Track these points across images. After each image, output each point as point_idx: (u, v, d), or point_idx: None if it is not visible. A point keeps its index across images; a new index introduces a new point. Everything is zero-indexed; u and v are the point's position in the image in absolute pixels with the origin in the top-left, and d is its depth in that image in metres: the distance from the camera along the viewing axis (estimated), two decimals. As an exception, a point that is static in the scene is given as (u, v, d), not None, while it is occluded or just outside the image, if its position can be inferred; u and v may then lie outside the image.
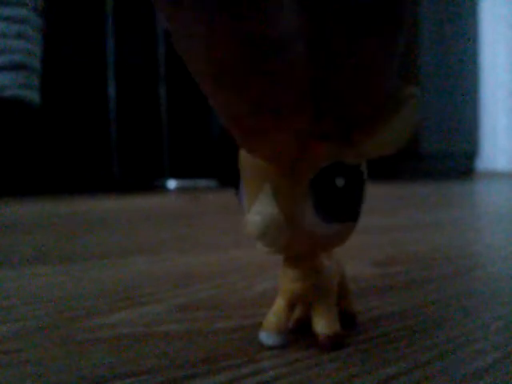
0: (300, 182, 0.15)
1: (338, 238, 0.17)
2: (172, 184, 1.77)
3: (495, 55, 2.66)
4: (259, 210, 0.15)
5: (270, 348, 0.18)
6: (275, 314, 0.18)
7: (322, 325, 0.18)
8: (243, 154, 0.16)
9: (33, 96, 1.26)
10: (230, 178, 0.18)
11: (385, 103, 0.14)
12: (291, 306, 0.18)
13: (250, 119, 0.12)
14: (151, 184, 1.69)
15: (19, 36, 1.21)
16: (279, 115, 0.12)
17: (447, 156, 2.12)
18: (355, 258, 0.36)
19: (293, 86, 0.12)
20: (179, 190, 1.69)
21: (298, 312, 0.20)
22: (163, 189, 1.70)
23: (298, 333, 0.19)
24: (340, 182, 0.15)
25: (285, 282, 0.18)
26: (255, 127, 0.13)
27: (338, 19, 0.12)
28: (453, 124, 2.11)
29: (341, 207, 0.16)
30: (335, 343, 0.18)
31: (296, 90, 0.12)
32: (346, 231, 0.17)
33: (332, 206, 0.15)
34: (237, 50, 0.10)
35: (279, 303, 0.18)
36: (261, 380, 0.15)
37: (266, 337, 0.18)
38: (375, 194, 1.17)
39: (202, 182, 1.79)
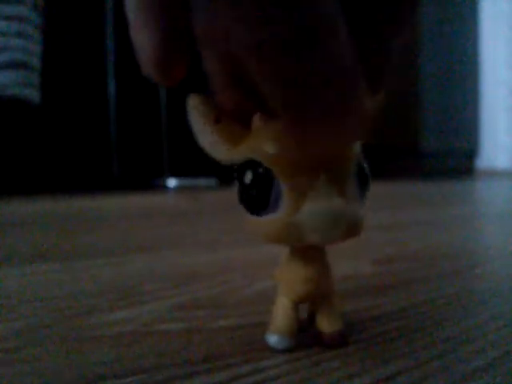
0: (350, 165, 0.16)
1: (363, 217, 0.17)
2: (172, 183, 1.77)
3: (495, 53, 2.66)
4: (325, 201, 0.15)
5: (277, 350, 0.18)
6: (284, 316, 0.18)
7: (327, 323, 0.18)
8: (285, 154, 0.15)
9: (33, 95, 1.26)
10: (242, 185, 0.16)
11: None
12: (297, 306, 0.18)
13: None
14: (151, 183, 1.69)
15: (19, 35, 1.21)
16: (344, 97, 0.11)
17: (447, 154, 2.12)
18: (355, 256, 0.36)
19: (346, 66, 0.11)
20: (179, 188, 1.69)
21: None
22: (163, 188, 1.70)
23: (298, 332, 0.19)
24: (366, 166, 0.17)
25: (294, 282, 0.18)
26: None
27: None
28: (453, 122, 2.10)
29: (366, 191, 0.17)
30: (340, 341, 0.18)
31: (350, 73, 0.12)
32: (364, 216, 0.17)
33: (364, 189, 0.16)
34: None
35: (285, 304, 0.18)
36: (261, 379, 0.15)
37: (279, 340, 0.18)
38: (375, 192, 1.17)
39: (202, 181, 1.78)
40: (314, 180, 0.15)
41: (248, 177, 0.16)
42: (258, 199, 0.16)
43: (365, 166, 0.16)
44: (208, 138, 0.17)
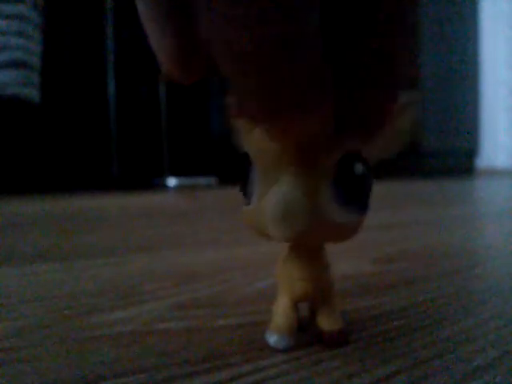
0: (322, 166, 0.15)
1: (352, 227, 0.16)
2: (171, 182, 1.77)
3: (495, 53, 2.66)
4: (282, 190, 0.15)
5: (277, 349, 0.18)
6: (284, 315, 0.18)
7: (327, 322, 0.18)
8: (261, 142, 0.15)
9: (32, 94, 1.26)
10: (236, 175, 0.18)
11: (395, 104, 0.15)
12: (296, 304, 0.18)
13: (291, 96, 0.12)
14: (151, 182, 1.69)
15: (19, 34, 1.21)
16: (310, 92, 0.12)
17: (447, 154, 2.12)
18: (355, 255, 0.36)
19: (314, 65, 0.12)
20: (179, 188, 1.69)
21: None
22: (163, 187, 1.70)
23: (298, 331, 0.19)
24: (358, 168, 0.15)
25: (291, 281, 0.18)
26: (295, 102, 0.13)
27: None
28: (453, 122, 2.11)
29: (358, 195, 0.16)
30: (340, 340, 0.18)
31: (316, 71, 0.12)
32: (358, 221, 0.16)
33: (352, 193, 0.15)
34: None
35: (285, 303, 0.18)
36: (261, 378, 0.15)
37: (278, 340, 0.18)
38: (375, 191, 1.16)
39: (202, 180, 1.78)
40: (282, 173, 0.15)
41: (240, 166, 0.17)
42: (243, 189, 0.17)
43: (356, 170, 0.15)
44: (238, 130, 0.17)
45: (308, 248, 0.18)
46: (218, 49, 0.12)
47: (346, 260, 0.34)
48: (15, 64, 1.21)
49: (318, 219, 0.15)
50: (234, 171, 0.18)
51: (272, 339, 0.18)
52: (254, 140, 0.16)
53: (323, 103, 0.13)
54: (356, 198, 0.16)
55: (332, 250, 0.19)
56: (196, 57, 0.15)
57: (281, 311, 0.18)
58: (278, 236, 0.15)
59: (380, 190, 1.26)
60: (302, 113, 0.13)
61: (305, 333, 0.19)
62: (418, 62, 1.89)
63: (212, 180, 1.77)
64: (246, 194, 0.17)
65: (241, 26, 0.11)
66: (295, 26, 0.11)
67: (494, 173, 2.52)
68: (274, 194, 0.15)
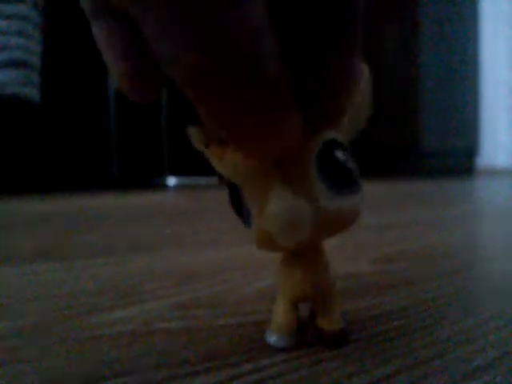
0: (307, 159, 0.15)
1: (351, 211, 0.16)
2: (171, 181, 1.77)
3: (495, 53, 2.66)
4: (280, 201, 0.15)
5: (277, 349, 0.18)
6: (283, 315, 0.18)
7: (327, 322, 0.18)
8: (237, 163, 0.15)
9: (33, 94, 1.26)
10: (229, 199, 0.17)
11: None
12: (296, 305, 0.18)
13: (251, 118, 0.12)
14: (151, 181, 1.69)
15: (19, 33, 1.21)
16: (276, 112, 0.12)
17: (447, 153, 2.12)
18: (355, 255, 0.36)
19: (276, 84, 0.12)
20: (179, 187, 1.69)
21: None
22: (163, 186, 1.70)
23: (298, 330, 0.19)
24: (339, 154, 0.16)
25: (291, 281, 0.18)
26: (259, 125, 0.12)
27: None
28: (453, 122, 2.11)
29: (346, 178, 0.16)
30: (340, 339, 0.18)
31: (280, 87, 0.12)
32: (356, 203, 0.16)
33: (340, 178, 0.15)
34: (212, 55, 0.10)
35: (284, 303, 0.18)
36: (261, 377, 0.15)
37: (278, 339, 0.18)
38: (375, 191, 1.17)
39: (202, 180, 1.79)
40: (270, 185, 0.15)
41: (228, 193, 0.17)
42: (238, 214, 0.17)
43: (337, 155, 0.15)
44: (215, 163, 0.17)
45: (307, 248, 0.18)
46: (167, 71, 0.11)
47: (345, 260, 0.34)
48: (15, 63, 1.21)
49: (320, 213, 0.15)
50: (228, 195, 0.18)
51: (272, 339, 0.18)
52: (229, 163, 0.16)
53: (289, 117, 0.12)
54: (347, 181, 0.16)
55: (332, 250, 0.19)
56: (149, 79, 0.15)
57: (281, 311, 0.18)
58: (288, 244, 0.15)
59: (380, 190, 1.26)
60: (269, 132, 0.12)
61: (305, 333, 0.19)
62: (414, 59, 1.89)
63: (212, 180, 1.77)
64: (242, 214, 0.17)
65: (182, 47, 0.10)
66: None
67: (494, 172, 2.52)
68: (272, 207, 0.15)
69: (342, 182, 0.16)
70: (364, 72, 0.16)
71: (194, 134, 0.17)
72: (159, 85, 0.16)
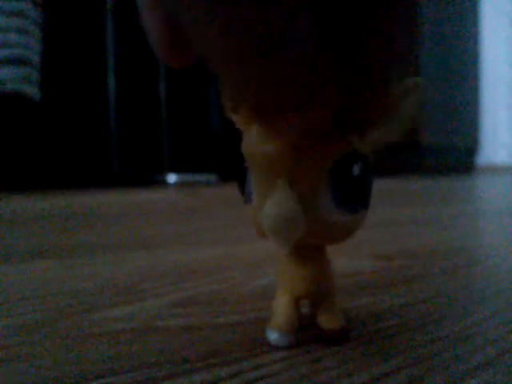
0: (318, 170, 0.15)
1: (352, 226, 0.16)
2: (172, 178, 1.77)
3: (496, 51, 2.65)
4: (277, 203, 0.15)
5: (277, 347, 0.18)
6: (285, 313, 0.18)
7: (327, 320, 0.18)
8: (253, 148, 0.16)
9: (33, 90, 1.26)
10: (234, 174, 0.18)
11: (393, 92, 0.15)
12: (297, 303, 0.18)
13: (284, 95, 0.12)
14: (151, 178, 1.69)
15: (19, 30, 1.21)
16: (309, 91, 0.12)
17: (448, 151, 2.12)
18: (355, 253, 0.36)
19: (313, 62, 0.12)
20: (179, 184, 1.69)
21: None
22: (163, 183, 1.70)
23: (298, 329, 0.19)
24: (356, 170, 0.15)
25: (292, 279, 0.18)
26: (289, 103, 0.12)
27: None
28: (453, 119, 2.10)
29: (356, 195, 0.16)
30: (340, 338, 0.18)
31: (318, 67, 0.12)
32: (359, 219, 0.16)
33: (349, 194, 0.15)
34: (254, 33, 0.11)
35: (285, 302, 0.18)
36: (261, 375, 0.15)
37: (279, 337, 0.18)
38: (375, 188, 1.16)
39: (202, 177, 1.78)
40: (275, 183, 0.15)
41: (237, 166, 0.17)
42: (239, 188, 0.17)
43: (354, 171, 0.15)
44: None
45: (309, 247, 0.18)
46: (202, 49, 0.11)
47: (345, 258, 0.34)
48: (15, 61, 1.21)
49: (317, 222, 0.15)
50: (232, 169, 0.18)
51: (273, 337, 0.18)
52: (248, 144, 0.16)
53: (325, 99, 0.13)
54: (355, 198, 0.16)
55: (332, 248, 0.19)
56: (184, 44, 0.15)
57: (281, 309, 0.18)
58: (277, 246, 0.15)
59: (380, 187, 1.26)
60: (302, 111, 0.13)
61: (305, 331, 0.19)
62: (417, 46, 1.88)
63: (212, 177, 1.77)
64: (244, 192, 0.17)
65: (226, 26, 0.11)
66: (280, 20, 0.11)
67: (494, 170, 2.52)
68: (270, 207, 0.15)
69: (352, 197, 0.16)
70: (414, 85, 0.16)
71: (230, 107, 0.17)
72: (191, 51, 0.15)
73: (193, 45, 0.13)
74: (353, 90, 0.14)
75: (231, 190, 0.17)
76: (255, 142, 0.15)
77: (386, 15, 0.12)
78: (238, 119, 0.17)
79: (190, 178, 1.79)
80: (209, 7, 0.10)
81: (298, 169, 0.15)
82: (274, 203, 0.15)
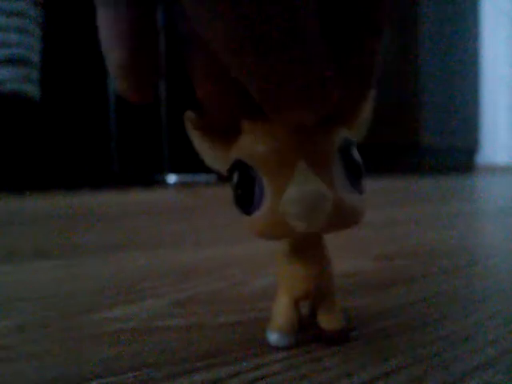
0: (331, 149, 0.15)
1: (362, 209, 0.16)
2: (172, 179, 1.77)
3: (496, 51, 2.65)
4: (303, 186, 0.15)
5: (277, 347, 0.18)
6: (285, 313, 0.18)
7: (327, 320, 0.18)
8: (259, 146, 0.15)
9: (32, 90, 1.26)
10: (231, 186, 0.17)
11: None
12: (297, 303, 0.18)
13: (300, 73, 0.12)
14: (151, 179, 1.69)
15: (19, 30, 1.21)
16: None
17: (448, 151, 2.12)
18: (355, 253, 0.36)
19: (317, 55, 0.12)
20: (179, 184, 1.69)
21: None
22: (163, 183, 1.70)
23: (298, 329, 0.19)
24: (356, 154, 0.16)
25: (293, 279, 0.18)
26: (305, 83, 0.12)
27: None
28: (453, 119, 2.10)
29: (360, 176, 0.16)
30: (340, 338, 0.18)
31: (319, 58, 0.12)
32: (364, 201, 0.16)
33: (356, 174, 0.16)
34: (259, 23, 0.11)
35: (285, 302, 0.18)
36: (261, 375, 0.15)
37: (279, 338, 0.18)
38: (375, 188, 1.17)
39: (202, 177, 1.78)
40: (292, 169, 0.15)
41: (235, 177, 0.16)
42: (243, 198, 0.16)
43: (354, 154, 0.16)
44: (205, 152, 0.17)
45: (309, 247, 0.18)
46: (214, 43, 0.12)
47: (346, 258, 0.34)
48: (15, 60, 1.21)
49: (338, 204, 0.15)
50: (228, 182, 0.17)
51: (273, 337, 0.18)
52: (250, 145, 0.16)
53: (331, 94, 0.13)
54: (360, 180, 0.16)
55: (332, 247, 0.19)
56: (148, 70, 0.15)
57: (282, 310, 0.18)
58: (303, 230, 0.15)
59: (381, 187, 1.26)
60: (308, 106, 0.13)
61: (305, 331, 0.19)
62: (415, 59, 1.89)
63: (212, 177, 1.77)
64: (252, 203, 0.16)
65: (235, 21, 0.11)
66: (291, 17, 0.11)
67: (494, 170, 2.52)
68: (296, 191, 0.15)
69: (357, 177, 0.16)
70: (371, 91, 0.17)
71: (191, 120, 0.17)
72: (157, 80, 0.16)
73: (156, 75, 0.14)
74: (348, 87, 0.14)
75: (231, 191, 0.17)
76: (257, 142, 0.15)
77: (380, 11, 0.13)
78: (208, 146, 0.17)
79: (189, 178, 1.79)
80: (209, 7, 0.11)
81: (312, 151, 0.15)
82: (299, 186, 0.15)
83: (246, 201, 0.16)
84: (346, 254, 0.35)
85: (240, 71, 0.12)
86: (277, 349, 0.17)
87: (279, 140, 0.15)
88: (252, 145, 0.16)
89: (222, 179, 1.70)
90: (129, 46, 0.14)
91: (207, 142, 0.17)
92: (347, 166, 0.16)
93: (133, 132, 1.61)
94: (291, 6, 0.11)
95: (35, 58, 1.26)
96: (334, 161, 0.15)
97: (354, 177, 0.16)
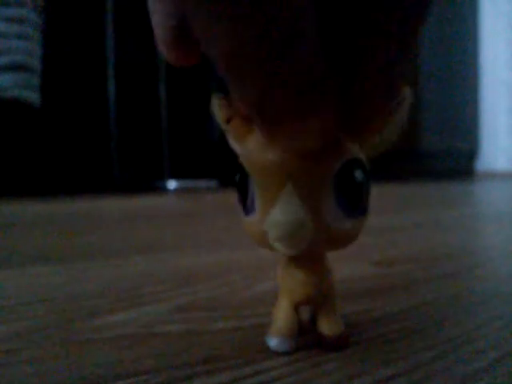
0: (322, 176, 0.15)
1: (354, 232, 0.16)
2: (172, 185, 1.77)
3: (495, 54, 2.66)
4: (284, 210, 0.15)
5: (277, 352, 0.18)
6: (285, 318, 0.18)
7: (327, 325, 0.18)
8: (254, 157, 0.15)
9: (33, 97, 1.26)
10: (233, 183, 0.17)
11: (390, 102, 0.15)
12: (297, 308, 0.18)
13: (285, 102, 0.12)
14: (151, 185, 1.69)
15: (19, 36, 1.21)
16: (311, 97, 0.12)
17: (447, 156, 2.12)
18: (355, 258, 0.36)
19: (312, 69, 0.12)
20: (179, 190, 1.69)
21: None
22: (163, 189, 1.70)
23: (298, 334, 0.19)
24: (359, 175, 0.15)
25: (293, 284, 0.18)
26: (292, 109, 0.12)
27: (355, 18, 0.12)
28: (453, 123, 2.11)
29: (359, 200, 0.16)
30: (340, 344, 0.18)
31: (316, 75, 0.12)
32: (360, 225, 0.16)
33: (353, 199, 0.16)
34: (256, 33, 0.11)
35: (285, 307, 0.18)
36: (261, 380, 0.15)
37: (279, 343, 0.18)
38: (375, 193, 1.16)
39: (202, 183, 1.78)
40: (280, 190, 0.15)
41: (237, 177, 0.16)
42: (241, 199, 0.17)
43: (355, 175, 0.15)
44: (228, 132, 0.17)
45: (309, 252, 0.18)
46: (206, 47, 0.12)
47: (346, 263, 0.34)
48: (15, 67, 1.21)
49: (321, 228, 0.15)
50: (232, 179, 0.18)
51: (273, 342, 0.18)
52: (248, 154, 0.16)
53: (324, 107, 0.13)
54: (358, 204, 0.16)
55: (332, 253, 0.19)
56: (187, 43, 0.15)
57: (282, 314, 0.18)
58: (284, 252, 0.15)
59: (380, 192, 1.26)
60: (301, 119, 0.13)
61: (305, 336, 0.19)
62: (415, 60, 1.89)
63: (212, 183, 1.77)
64: (245, 205, 0.16)
65: (228, 25, 0.11)
66: (286, 24, 0.11)
67: (493, 175, 2.52)
68: (277, 214, 0.15)
69: (354, 202, 0.16)
70: (405, 95, 0.16)
71: (217, 106, 0.17)
72: (197, 48, 0.16)
73: (199, 43, 0.13)
74: (352, 99, 0.14)
75: (232, 196, 0.17)
76: (256, 150, 0.15)
77: (386, 19, 0.12)
78: (230, 133, 0.17)
79: (190, 184, 1.79)
80: (210, 8, 0.10)
81: (302, 175, 0.15)
82: (281, 211, 0.15)
83: (241, 202, 0.17)
84: (346, 259, 0.35)
85: (239, 77, 0.12)
86: (277, 354, 0.17)
87: (275, 157, 0.15)
88: (251, 153, 0.16)
89: (224, 185, 1.70)
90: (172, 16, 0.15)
91: (231, 132, 0.17)
92: (344, 190, 0.15)
93: (133, 138, 1.61)
94: (291, 6, 0.11)
95: (36, 64, 1.26)
96: (326, 187, 0.15)
97: (352, 200, 0.15)
